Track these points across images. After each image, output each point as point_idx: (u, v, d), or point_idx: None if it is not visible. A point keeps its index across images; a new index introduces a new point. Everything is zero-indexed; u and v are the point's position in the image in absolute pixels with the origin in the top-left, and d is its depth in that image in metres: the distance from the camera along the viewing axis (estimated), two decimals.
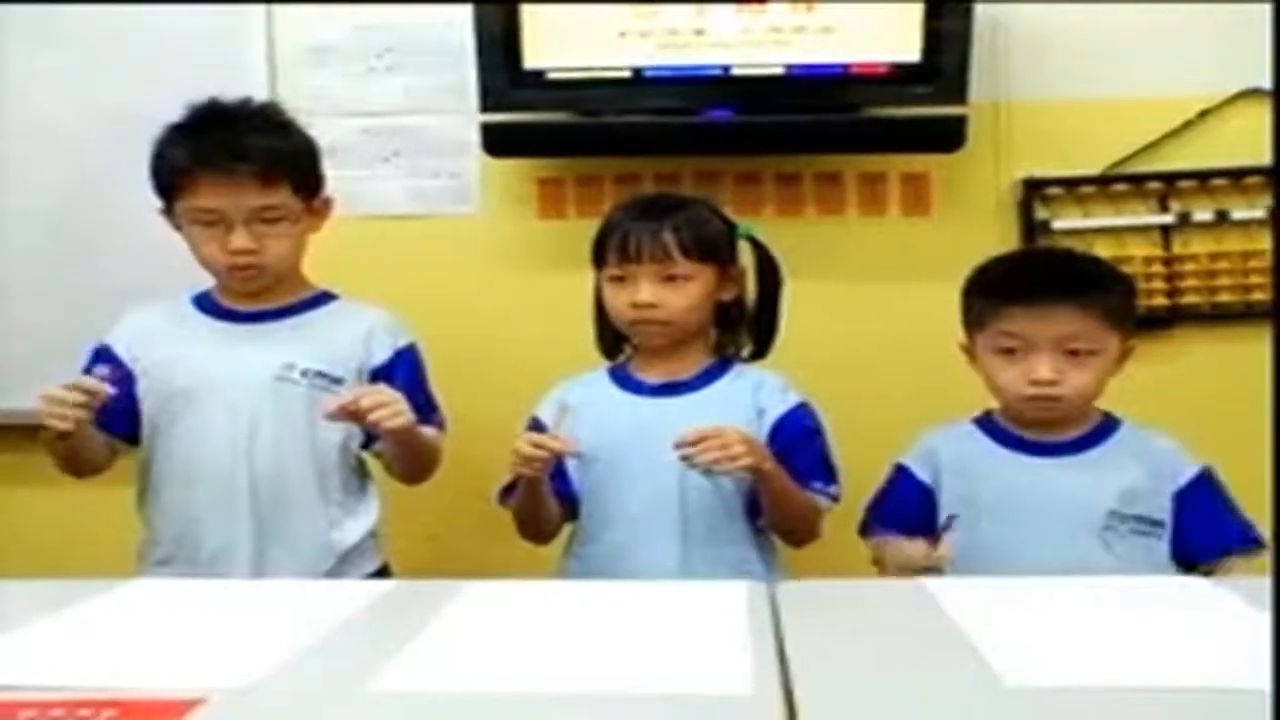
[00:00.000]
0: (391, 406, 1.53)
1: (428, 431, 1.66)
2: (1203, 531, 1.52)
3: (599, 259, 1.65)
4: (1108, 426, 1.57)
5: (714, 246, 1.63)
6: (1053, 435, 1.56)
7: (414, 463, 1.69)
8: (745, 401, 1.63)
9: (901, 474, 1.63)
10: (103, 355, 1.68)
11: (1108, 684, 0.87)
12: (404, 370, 1.71)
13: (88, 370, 1.62)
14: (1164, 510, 1.51)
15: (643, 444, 1.57)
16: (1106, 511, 1.49)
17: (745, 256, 1.70)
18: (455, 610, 1.10)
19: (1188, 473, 1.53)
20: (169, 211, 1.65)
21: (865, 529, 1.64)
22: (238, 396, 1.63)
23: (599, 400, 1.64)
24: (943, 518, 1.55)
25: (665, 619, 1.07)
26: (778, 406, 1.63)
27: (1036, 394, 1.50)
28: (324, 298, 1.75)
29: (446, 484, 1.77)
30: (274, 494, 1.63)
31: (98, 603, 1.15)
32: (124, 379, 1.62)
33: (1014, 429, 1.58)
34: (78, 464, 1.64)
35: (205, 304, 1.71)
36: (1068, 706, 0.83)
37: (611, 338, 1.72)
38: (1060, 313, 1.49)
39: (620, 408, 1.65)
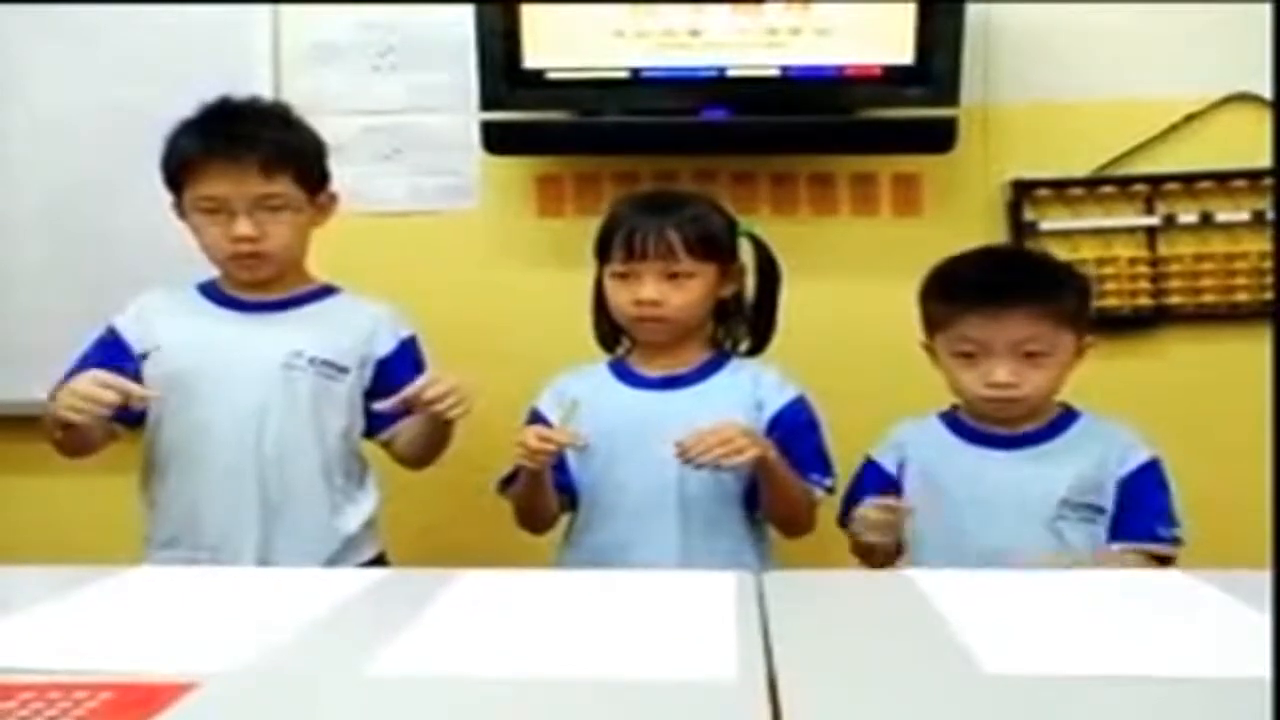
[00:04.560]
0: (453, 397, 1.56)
1: None
2: (1134, 516, 1.53)
3: (602, 254, 1.66)
4: (1066, 419, 1.59)
5: (717, 244, 1.64)
6: (1012, 429, 1.58)
7: (438, 448, 1.72)
8: (744, 395, 1.65)
9: (869, 467, 1.66)
10: (109, 338, 1.69)
11: (1086, 673, 0.88)
12: (409, 360, 1.75)
13: (92, 352, 1.65)
14: (1108, 496, 1.54)
15: (643, 437, 1.58)
16: (1058, 501, 1.52)
17: (744, 253, 1.72)
18: (449, 598, 1.11)
19: (1136, 460, 1.55)
20: (178, 204, 1.67)
21: (843, 521, 1.65)
22: (247, 382, 1.65)
23: (599, 393, 1.65)
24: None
25: (654, 607, 1.08)
26: (776, 400, 1.65)
27: (995, 396, 1.53)
28: (327, 290, 1.77)
29: (443, 475, 1.79)
30: (280, 480, 1.65)
31: (98, 589, 1.16)
32: (130, 361, 1.65)
33: (975, 423, 1.61)
34: (76, 447, 1.65)
35: (211, 292, 1.73)
36: (1047, 694, 0.84)
37: (610, 331, 1.73)
38: (1017, 316, 1.50)
39: (621, 401, 1.66)
